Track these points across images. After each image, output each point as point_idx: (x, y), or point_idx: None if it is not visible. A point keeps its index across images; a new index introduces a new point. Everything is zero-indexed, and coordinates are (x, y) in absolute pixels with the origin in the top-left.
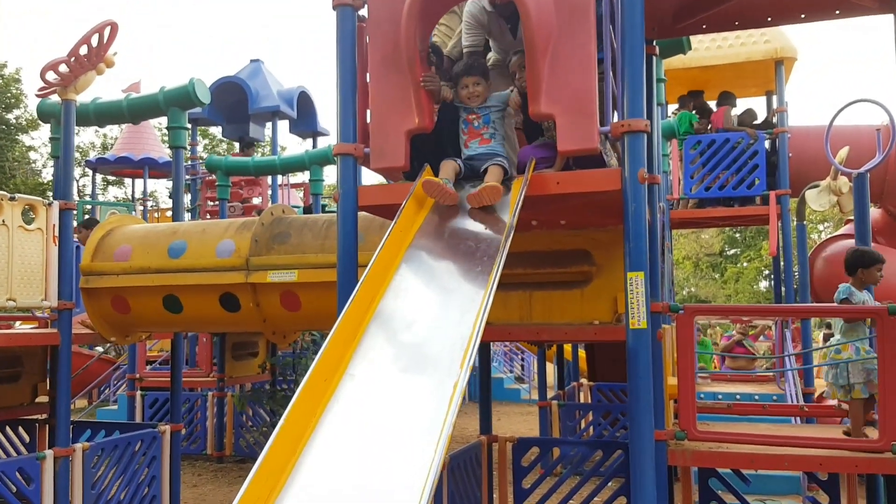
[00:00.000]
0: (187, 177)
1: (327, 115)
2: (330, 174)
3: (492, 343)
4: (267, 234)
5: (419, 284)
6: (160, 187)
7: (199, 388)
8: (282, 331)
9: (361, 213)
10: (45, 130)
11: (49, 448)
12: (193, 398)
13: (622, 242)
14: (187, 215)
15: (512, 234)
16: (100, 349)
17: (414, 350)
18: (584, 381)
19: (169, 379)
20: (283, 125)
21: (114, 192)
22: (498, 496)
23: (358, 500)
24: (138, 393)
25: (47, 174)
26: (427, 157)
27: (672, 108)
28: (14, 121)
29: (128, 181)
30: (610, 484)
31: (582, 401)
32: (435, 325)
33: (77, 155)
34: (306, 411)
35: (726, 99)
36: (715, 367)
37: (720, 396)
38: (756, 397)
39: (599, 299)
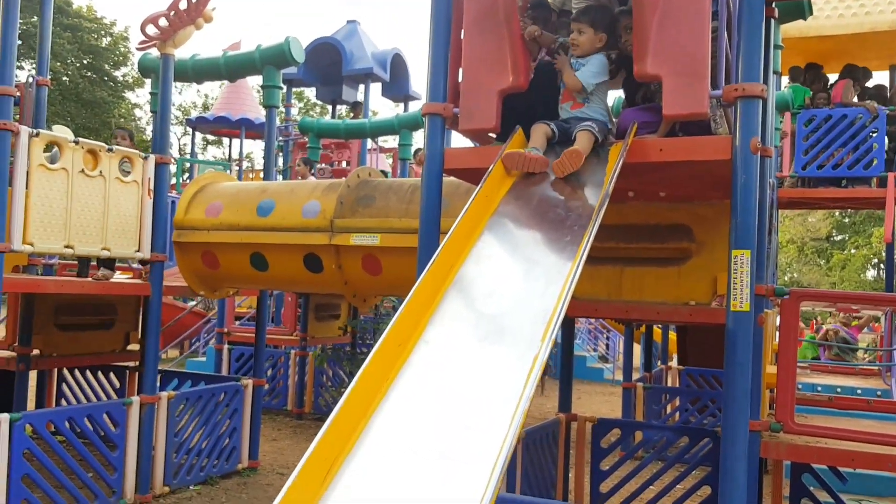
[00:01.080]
0: (280, 138)
1: (420, 79)
2: (419, 139)
3: (576, 319)
4: (352, 197)
5: (502, 253)
6: (256, 149)
7: (282, 346)
8: (362, 294)
9: (447, 179)
10: (149, 87)
11: (137, 394)
12: (277, 355)
13: (727, 218)
14: (278, 177)
15: (606, 204)
16: (192, 302)
17: (493, 320)
18: (672, 364)
19: (254, 334)
20: (375, 88)
21: (212, 152)
22: (574, 476)
23: (428, 463)
24: (225, 347)
25: (151, 132)
26: (519, 119)
27: (784, 80)
28: (121, 78)
29: (226, 141)
30: (695, 472)
31: (669, 385)
32: (517, 295)
33: (179, 114)
34: (379, 374)
35: (851, 72)
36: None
37: (819, 388)
38: (858, 391)
39: (698, 278)
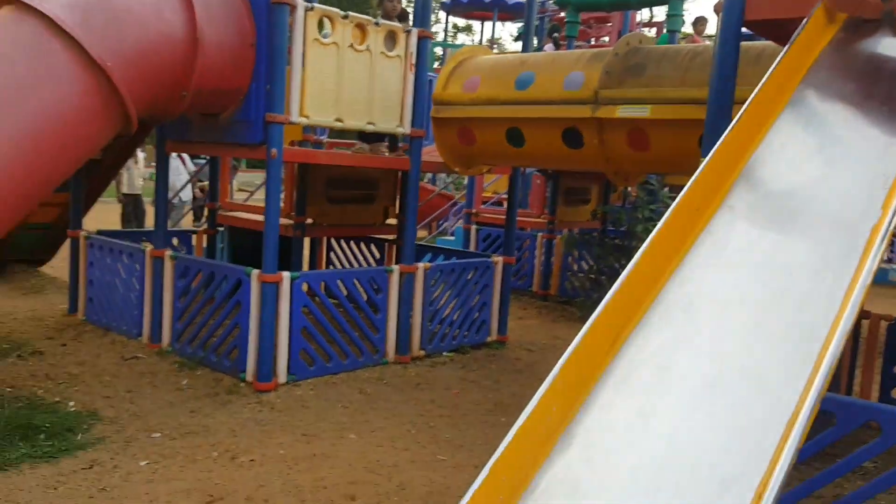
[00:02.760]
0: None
1: None
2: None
3: None
4: (620, 66)
5: (811, 128)
6: (505, 35)
7: (528, 229)
8: (624, 172)
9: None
10: None
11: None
12: (523, 237)
13: None
14: None
15: None
16: (439, 185)
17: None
18: None
19: (501, 216)
20: None
21: (462, 39)
22: (860, 376)
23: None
24: (473, 227)
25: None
26: None
27: None
28: None
29: (476, 27)
30: None
31: None
32: (834, 182)
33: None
34: (669, 243)
35: None
36: None
37: None
38: None
39: None
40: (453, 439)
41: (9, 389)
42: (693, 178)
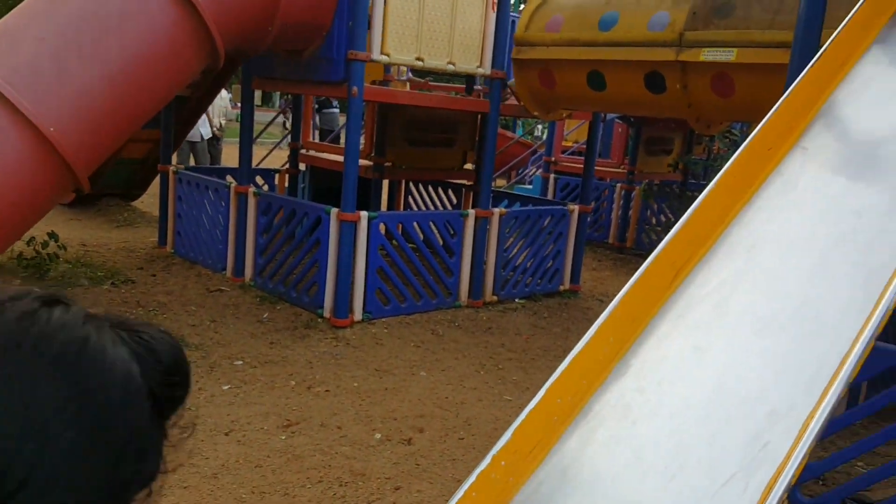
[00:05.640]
0: None
1: None
2: None
3: None
4: (708, 6)
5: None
6: None
7: (608, 179)
8: (707, 119)
9: None
10: None
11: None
12: (602, 187)
13: None
14: None
15: None
16: (519, 132)
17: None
18: None
19: (580, 166)
20: None
21: None
22: None
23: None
24: (552, 175)
25: None
26: None
27: None
28: None
29: None
30: None
31: None
32: None
33: None
34: (739, 182)
35: None
36: None
37: None
38: None
39: None
40: (520, 381)
41: (103, 313)
42: (767, 116)
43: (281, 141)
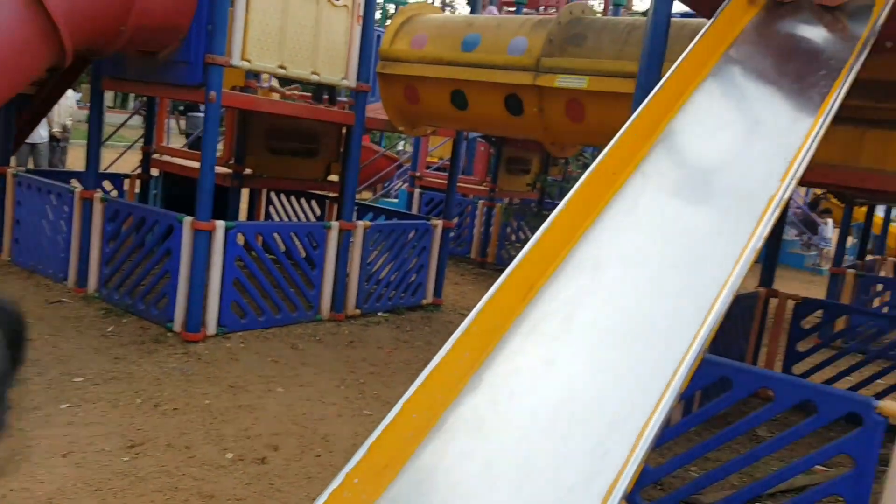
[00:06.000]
0: None
1: None
2: None
3: None
4: (563, 35)
5: (726, 104)
6: None
7: (471, 195)
8: (561, 142)
9: (673, 20)
10: None
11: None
12: (465, 203)
13: None
14: None
15: (865, 53)
16: (382, 146)
17: (704, 177)
18: (891, 258)
19: (445, 181)
20: None
21: None
22: (766, 354)
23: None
24: (417, 190)
25: None
26: None
27: None
28: None
29: None
30: None
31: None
32: (742, 153)
33: None
34: (585, 204)
35: None
36: None
37: None
38: None
39: None
40: (381, 395)
41: None
42: (612, 142)
43: (132, 144)
